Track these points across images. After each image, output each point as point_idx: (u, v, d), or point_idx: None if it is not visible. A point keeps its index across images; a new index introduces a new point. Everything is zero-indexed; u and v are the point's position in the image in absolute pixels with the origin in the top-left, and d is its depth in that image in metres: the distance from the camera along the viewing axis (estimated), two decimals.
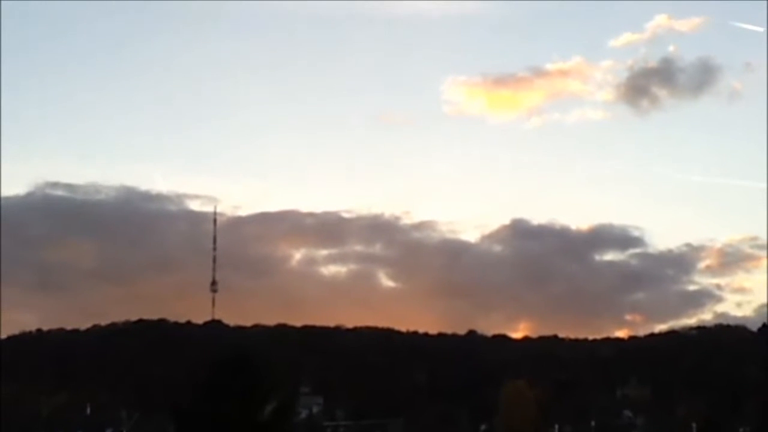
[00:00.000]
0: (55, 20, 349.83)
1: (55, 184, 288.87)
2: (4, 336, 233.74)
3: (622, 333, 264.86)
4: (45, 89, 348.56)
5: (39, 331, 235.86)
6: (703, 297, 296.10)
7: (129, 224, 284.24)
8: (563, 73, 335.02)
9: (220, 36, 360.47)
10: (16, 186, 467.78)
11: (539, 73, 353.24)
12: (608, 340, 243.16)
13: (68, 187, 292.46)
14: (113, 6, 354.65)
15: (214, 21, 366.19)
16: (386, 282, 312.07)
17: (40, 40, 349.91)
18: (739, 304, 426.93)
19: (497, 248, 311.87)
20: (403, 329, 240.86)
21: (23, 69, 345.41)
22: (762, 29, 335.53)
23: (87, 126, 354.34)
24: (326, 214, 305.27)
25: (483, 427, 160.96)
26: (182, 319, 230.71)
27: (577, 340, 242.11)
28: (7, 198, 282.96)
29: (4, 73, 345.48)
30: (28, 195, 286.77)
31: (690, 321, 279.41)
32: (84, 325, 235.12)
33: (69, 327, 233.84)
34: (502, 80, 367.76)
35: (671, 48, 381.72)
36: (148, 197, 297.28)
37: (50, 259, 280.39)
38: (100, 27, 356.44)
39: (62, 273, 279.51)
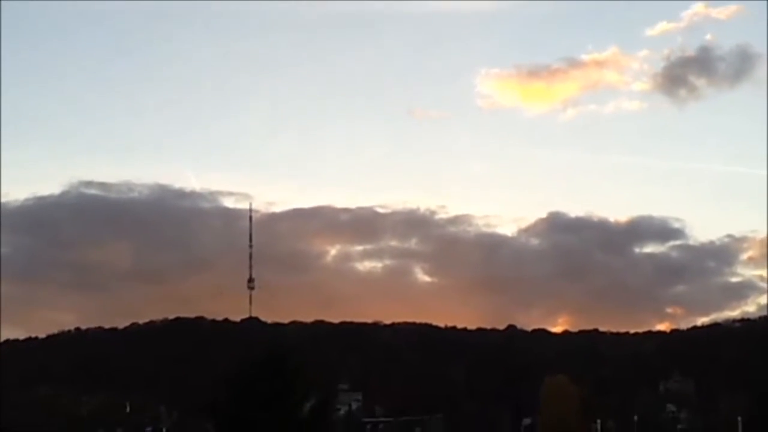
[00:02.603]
0: (89, 18, 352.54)
1: (89, 183, 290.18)
2: (43, 335, 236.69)
3: (663, 326, 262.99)
4: (78, 89, 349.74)
5: (77, 330, 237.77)
6: (746, 289, 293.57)
7: (164, 222, 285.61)
8: (599, 64, 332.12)
9: (251, 33, 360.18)
10: (51, 186, 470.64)
11: (574, 64, 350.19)
12: (650, 334, 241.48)
13: (102, 185, 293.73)
14: (145, 5, 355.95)
15: (244, 18, 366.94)
16: (423, 277, 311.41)
17: (72, 39, 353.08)
18: None
19: (534, 242, 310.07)
20: (441, 325, 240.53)
21: (58, 69, 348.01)
22: None
23: (120, 125, 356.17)
24: (361, 209, 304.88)
25: (527, 422, 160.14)
26: (219, 317, 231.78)
27: (618, 334, 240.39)
28: (42, 198, 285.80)
29: (36, 72, 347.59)
30: (63, 194, 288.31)
31: (733, 313, 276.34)
32: (122, 324, 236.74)
33: (107, 326, 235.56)
34: (536, 72, 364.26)
35: (708, 36, 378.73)
36: (181, 195, 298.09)
37: (86, 259, 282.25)
38: (131, 25, 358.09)
39: (99, 272, 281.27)
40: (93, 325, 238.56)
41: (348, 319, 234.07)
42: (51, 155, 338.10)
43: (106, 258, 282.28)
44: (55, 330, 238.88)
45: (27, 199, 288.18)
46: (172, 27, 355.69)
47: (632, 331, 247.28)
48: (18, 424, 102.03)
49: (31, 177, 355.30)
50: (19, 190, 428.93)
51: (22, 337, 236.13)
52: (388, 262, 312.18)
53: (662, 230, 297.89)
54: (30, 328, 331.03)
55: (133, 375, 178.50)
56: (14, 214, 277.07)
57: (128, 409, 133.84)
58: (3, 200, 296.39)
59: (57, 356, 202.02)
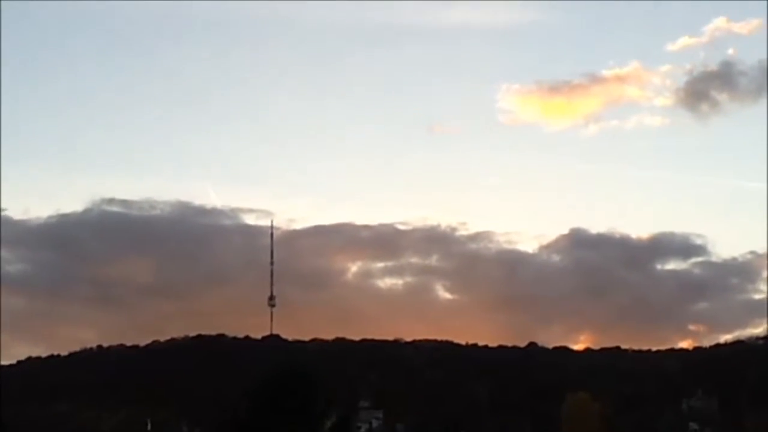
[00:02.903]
0: (115, 42, 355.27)
1: (111, 201, 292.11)
2: (65, 353, 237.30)
3: (686, 344, 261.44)
4: (100, 108, 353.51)
5: (99, 347, 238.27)
6: None
7: (185, 239, 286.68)
8: (620, 79, 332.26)
9: (274, 52, 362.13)
10: (73, 203, 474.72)
11: (595, 79, 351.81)
12: (672, 351, 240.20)
13: (124, 203, 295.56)
14: (170, 27, 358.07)
15: (265, 37, 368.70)
16: (444, 294, 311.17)
17: (96, 61, 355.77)
18: None
19: (556, 258, 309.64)
20: (463, 342, 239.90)
21: (81, 89, 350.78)
22: None
23: (141, 143, 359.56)
24: (382, 226, 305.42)
25: None
26: (241, 334, 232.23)
27: (640, 352, 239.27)
28: (65, 215, 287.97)
29: (60, 92, 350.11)
30: (85, 212, 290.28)
31: (756, 331, 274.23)
32: (143, 341, 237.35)
33: (129, 343, 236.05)
34: (557, 87, 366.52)
35: (731, 51, 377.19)
36: (202, 212, 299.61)
37: (108, 275, 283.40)
38: (155, 47, 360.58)
39: (120, 289, 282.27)
40: (115, 342, 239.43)
41: (369, 337, 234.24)
42: (74, 173, 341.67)
43: (128, 275, 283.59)
44: (77, 347, 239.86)
45: (50, 217, 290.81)
46: (193, 48, 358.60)
47: (654, 348, 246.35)
48: None
49: (54, 194, 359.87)
50: (42, 208, 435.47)
51: (44, 354, 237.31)
52: (408, 279, 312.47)
53: (684, 247, 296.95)
54: (52, 344, 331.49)
55: (154, 392, 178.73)
56: (37, 231, 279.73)
57: (149, 426, 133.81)
58: (25, 217, 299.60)
59: (79, 373, 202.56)
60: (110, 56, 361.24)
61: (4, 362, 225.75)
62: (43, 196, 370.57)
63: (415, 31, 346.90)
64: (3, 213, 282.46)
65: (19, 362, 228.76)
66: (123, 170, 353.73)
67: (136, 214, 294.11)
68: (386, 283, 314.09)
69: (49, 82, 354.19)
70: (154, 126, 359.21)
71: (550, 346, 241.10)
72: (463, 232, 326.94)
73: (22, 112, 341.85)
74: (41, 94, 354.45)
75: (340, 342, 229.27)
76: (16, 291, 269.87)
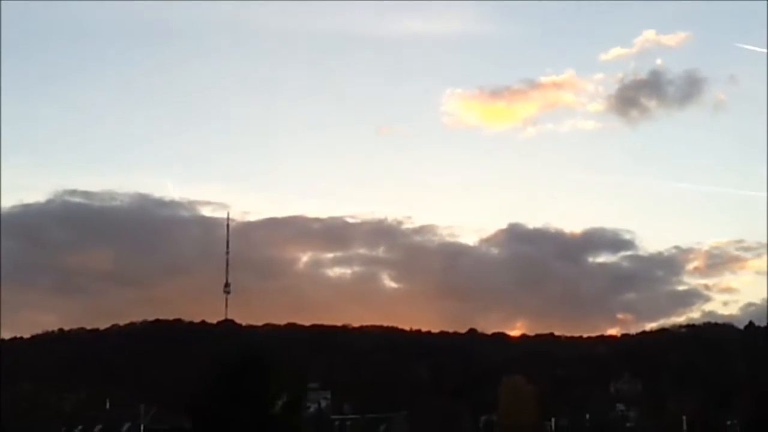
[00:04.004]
0: (76, 34, 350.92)
1: (72, 192, 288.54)
2: (27, 336, 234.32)
3: (614, 331, 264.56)
4: (63, 102, 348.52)
5: (61, 331, 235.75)
6: (692, 297, 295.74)
7: (144, 230, 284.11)
8: (556, 86, 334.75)
9: (231, 53, 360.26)
10: (37, 194, 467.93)
11: (534, 85, 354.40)
12: (602, 338, 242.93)
13: (85, 194, 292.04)
14: (131, 20, 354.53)
15: (224, 38, 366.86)
16: (389, 283, 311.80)
17: (58, 54, 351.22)
18: (725, 304, 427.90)
19: (494, 251, 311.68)
20: (407, 328, 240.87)
21: (44, 83, 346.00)
22: (745, 45, 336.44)
23: (103, 136, 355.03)
24: (332, 219, 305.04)
25: (483, 419, 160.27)
26: (197, 319, 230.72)
27: (572, 338, 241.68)
28: (28, 205, 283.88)
29: (23, 86, 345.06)
30: (48, 203, 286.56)
31: (679, 319, 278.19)
32: (103, 325, 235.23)
33: (89, 327, 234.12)
34: (498, 93, 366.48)
35: (659, 61, 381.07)
36: (161, 204, 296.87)
37: (70, 263, 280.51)
38: (116, 42, 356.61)
39: (82, 276, 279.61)
40: (76, 326, 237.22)
41: (318, 323, 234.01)
42: (37, 165, 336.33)
43: (89, 263, 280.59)
44: (39, 330, 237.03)
45: (14, 207, 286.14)
46: (155, 51, 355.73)
47: (585, 335, 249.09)
48: (3, 418, 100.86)
49: (17, 185, 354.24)
50: (6, 198, 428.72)
51: (7, 337, 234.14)
52: (356, 268, 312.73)
53: (614, 241, 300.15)
54: (15, 329, 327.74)
55: (113, 374, 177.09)
56: (2, 220, 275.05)
57: (108, 406, 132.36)
58: None
59: (41, 355, 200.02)
60: (76, 56, 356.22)
61: None
62: (7, 187, 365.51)
63: (366, 40, 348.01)
64: None
65: None
66: (85, 163, 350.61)
67: (97, 205, 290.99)
68: (335, 272, 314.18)
69: (15, 79, 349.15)
70: (116, 122, 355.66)
71: (489, 332, 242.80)
72: (408, 225, 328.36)
73: None
74: (6, 91, 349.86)
75: (291, 327, 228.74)
76: None
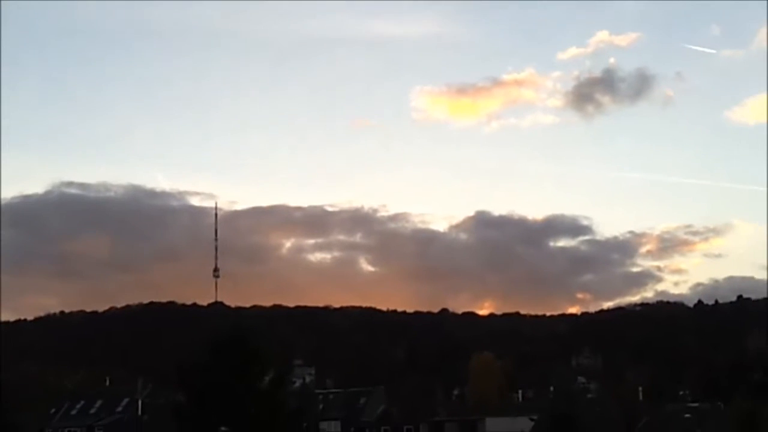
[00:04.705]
0: (73, 32, 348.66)
1: (69, 184, 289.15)
2: (30, 318, 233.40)
3: (574, 309, 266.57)
4: (61, 97, 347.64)
5: (62, 313, 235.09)
6: (645, 277, 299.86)
7: (137, 218, 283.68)
8: (518, 83, 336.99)
9: (218, 53, 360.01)
10: (35, 185, 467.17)
11: (497, 83, 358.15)
12: (563, 316, 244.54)
13: (81, 185, 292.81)
14: (126, 19, 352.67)
15: (213, 38, 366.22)
16: (367, 267, 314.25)
17: (57, 50, 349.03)
18: (676, 284, 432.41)
19: (463, 236, 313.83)
20: (384, 308, 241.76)
21: (43, 80, 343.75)
22: (691, 45, 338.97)
23: (98, 132, 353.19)
24: (312, 207, 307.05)
25: (455, 392, 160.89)
26: (189, 302, 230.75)
27: (536, 316, 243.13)
28: (28, 196, 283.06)
29: (25, 81, 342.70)
30: (46, 193, 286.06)
31: (634, 298, 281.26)
32: (101, 307, 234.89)
33: (88, 309, 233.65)
34: (464, 90, 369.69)
35: (611, 60, 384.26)
36: (153, 194, 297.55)
37: (68, 250, 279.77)
38: (112, 42, 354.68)
39: (80, 262, 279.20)
40: (75, 308, 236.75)
41: (302, 304, 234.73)
42: (36, 159, 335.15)
43: (86, 250, 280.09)
44: (42, 313, 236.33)
45: (14, 197, 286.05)
46: (149, 51, 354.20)
47: (548, 313, 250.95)
48: (8, 395, 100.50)
49: (17, 177, 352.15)
50: (6, 189, 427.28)
51: (12, 319, 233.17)
52: (336, 253, 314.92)
53: (573, 227, 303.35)
54: (19, 311, 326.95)
55: (112, 353, 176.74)
56: (2, 210, 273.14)
57: (108, 383, 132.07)
58: None
59: (44, 336, 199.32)
60: (74, 57, 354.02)
61: None
62: (8, 179, 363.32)
63: (341, 41, 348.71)
64: None
65: None
66: (81, 156, 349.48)
67: (92, 195, 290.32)
68: (316, 257, 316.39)
69: (13, 74, 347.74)
70: (110, 119, 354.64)
71: (459, 311, 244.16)
72: (383, 213, 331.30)
73: None
74: (5, 86, 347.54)
75: (277, 308, 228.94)
76: None
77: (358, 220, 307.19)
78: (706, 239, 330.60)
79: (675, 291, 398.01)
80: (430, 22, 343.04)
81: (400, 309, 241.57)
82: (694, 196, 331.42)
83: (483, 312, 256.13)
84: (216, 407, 46.25)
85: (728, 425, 79.54)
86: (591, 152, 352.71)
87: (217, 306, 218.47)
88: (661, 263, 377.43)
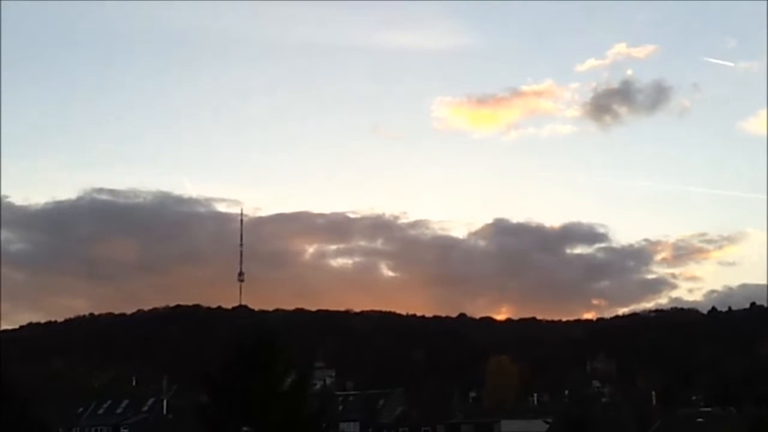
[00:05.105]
0: (101, 45, 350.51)
1: (100, 190, 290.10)
2: (61, 319, 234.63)
3: (590, 315, 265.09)
4: (94, 110, 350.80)
5: (91, 315, 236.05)
6: (660, 284, 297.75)
7: (165, 224, 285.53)
8: (537, 94, 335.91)
9: (245, 62, 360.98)
10: (68, 192, 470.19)
11: (516, 93, 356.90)
12: (579, 322, 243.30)
13: (112, 192, 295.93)
14: (154, 32, 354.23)
15: (241, 48, 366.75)
16: (387, 272, 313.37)
17: (90, 61, 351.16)
18: (690, 291, 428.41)
19: (482, 243, 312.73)
20: (403, 312, 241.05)
21: (80, 90, 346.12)
22: (708, 57, 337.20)
23: (128, 140, 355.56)
24: (334, 214, 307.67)
25: (472, 395, 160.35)
26: (214, 305, 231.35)
27: (552, 322, 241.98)
28: (60, 202, 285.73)
29: (59, 95, 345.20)
30: (78, 199, 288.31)
31: (649, 305, 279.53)
32: (129, 310, 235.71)
33: (116, 312, 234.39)
34: (484, 100, 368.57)
35: (629, 72, 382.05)
36: (180, 201, 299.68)
37: (98, 254, 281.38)
38: (142, 52, 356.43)
39: (109, 266, 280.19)
40: (104, 311, 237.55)
41: (323, 308, 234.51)
42: (68, 166, 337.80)
43: (116, 254, 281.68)
44: (71, 315, 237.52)
45: (47, 203, 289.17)
46: (173, 59, 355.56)
47: (564, 319, 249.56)
48: (37, 393, 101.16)
49: (51, 184, 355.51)
50: (40, 195, 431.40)
51: (43, 320, 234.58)
52: (357, 259, 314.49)
53: (590, 234, 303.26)
54: (50, 313, 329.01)
55: (138, 354, 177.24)
56: (36, 215, 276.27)
57: (134, 383, 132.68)
58: (26, 204, 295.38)
59: (73, 338, 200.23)
60: (105, 66, 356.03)
61: (8, 327, 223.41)
62: (41, 185, 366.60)
63: (366, 52, 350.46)
64: (6, 200, 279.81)
65: (20, 327, 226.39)
66: (112, 164, 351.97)
67: (122, 201, 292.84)
68: (338, 262, 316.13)
69: (48, 84, 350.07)
70: (140, 126, 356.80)
71: (477, 316, 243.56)
72: (404, 220, 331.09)
73: (23, 111, 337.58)
74: (40, 96, 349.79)
75: (299, 312, 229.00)
76: (18, 267, 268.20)
77: (380, 226, 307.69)
78: (720, 247, 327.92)
79: (689, 298, 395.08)
80: (451, 35, 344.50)
81: (419, 313, 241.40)
82: (708, 204, 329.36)
83: (500, 317, 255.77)
84: (239, 408, 46.22)
85: (741, 431, 78.72)
86: (608, 162, 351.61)
87: (241, 309, 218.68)
88: (675, 270, 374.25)
